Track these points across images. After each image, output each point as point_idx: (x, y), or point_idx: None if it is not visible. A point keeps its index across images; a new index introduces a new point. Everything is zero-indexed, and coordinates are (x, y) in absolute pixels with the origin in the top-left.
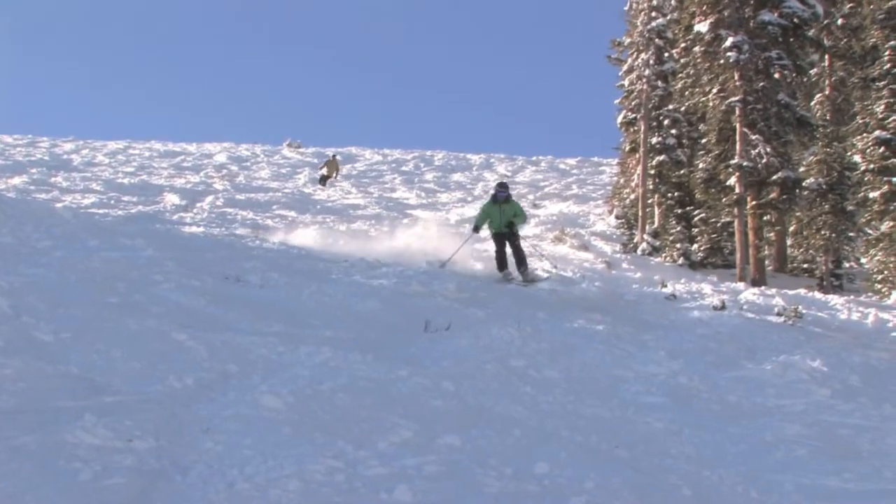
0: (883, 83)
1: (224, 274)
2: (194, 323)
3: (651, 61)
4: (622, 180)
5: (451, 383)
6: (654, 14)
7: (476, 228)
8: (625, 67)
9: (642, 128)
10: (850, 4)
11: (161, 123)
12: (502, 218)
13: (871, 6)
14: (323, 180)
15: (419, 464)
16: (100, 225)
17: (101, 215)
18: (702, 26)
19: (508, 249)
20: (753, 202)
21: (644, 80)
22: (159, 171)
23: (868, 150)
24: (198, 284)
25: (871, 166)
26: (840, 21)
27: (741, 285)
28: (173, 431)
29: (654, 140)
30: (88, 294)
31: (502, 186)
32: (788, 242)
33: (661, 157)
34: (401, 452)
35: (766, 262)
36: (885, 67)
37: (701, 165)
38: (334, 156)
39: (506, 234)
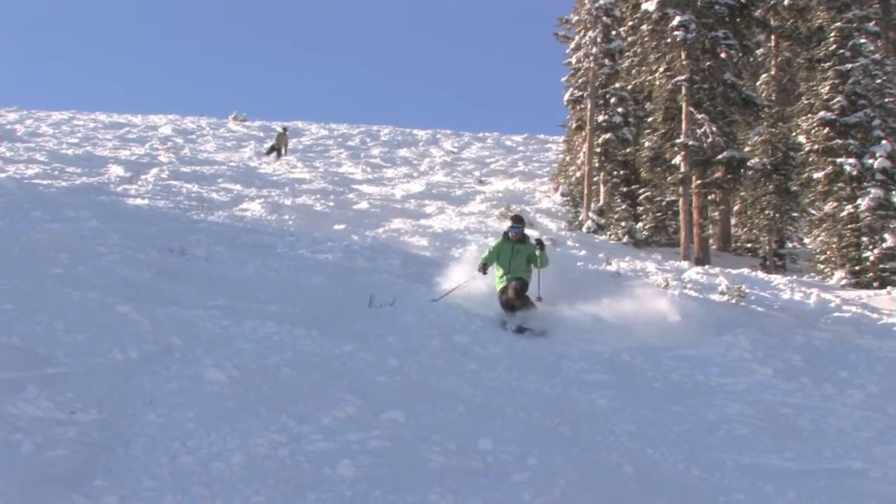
0: (828, 64)
1: (169, 247)
2: (138, 295)
3: (598, 39)
4: (568, 158)
5: (396, 359)
6: None
7: (483, 268)
8: (572, 45)
9: (589, 106)
10: None
11: (106, 94)
12: (513, 261)
13: None
14: (271, 152)
15: (363, 439)
16: (43, 196)
17: (45, 186)
18: (649, 5)
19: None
20: (698, 181)
21: (591, 58)
22: (104, 142)
23: (813, 131)
24: (142, 257)
25: (816, 147)
26: (786, 2)
27: (685, 264)
28: (116, 404)
29: (600, 118)
30: (31, 265)
31: (517, 220)
32: (732, 222)
33: (608, 136)
34: (345, 427)
35: (710, 241)
36: (830, 48)
37: (647, 144)
38: (284, 129)
39: (517, 285)
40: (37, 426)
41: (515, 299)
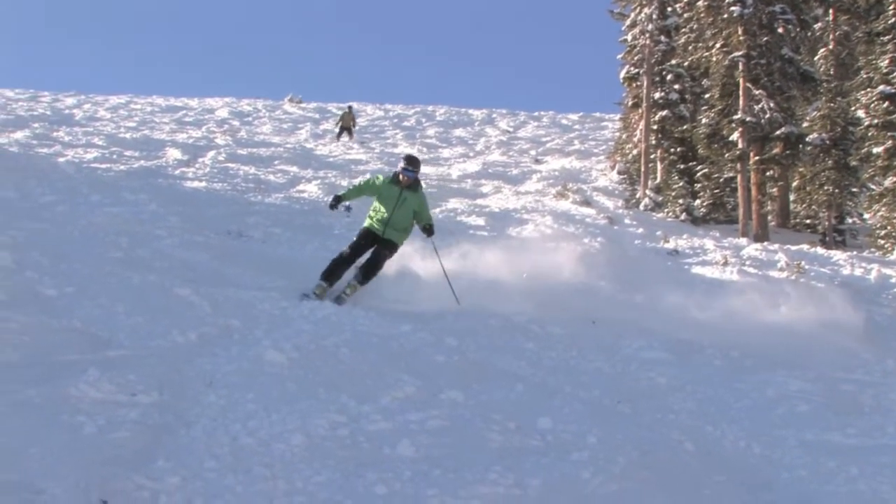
0: (887, 37)
1: (227, 229)
2: (197, 278)
3: (654, 16)
4: (625, 136)
5: (454, 339)
6: None
7: (339, 200)
8: (627, 22)
9: (645, 83)
10: None
11: (163, 78)
12: (397, 210)
13: None
14: (341, 133)
15: (422, 419)
16: (102, 180)
17: (104, 170)
18: None
19: (362, 259)
20: (756, 157)
21: (647, 34)
22: (161, 125)
23: (872, 105)
24: (200, 240)
25: (875, 121)
26: None
27: (744, 241)
28: (177, 386)
29: (656, 95)
30: (91, 249)
31: (412, 162)
32: (791, 198)
33: (664, 113)
34: (404, 407)
35: (769, 217)
36: (889, 21)
37: (704, 121)
38: (349, 108)
39: (382, 239)
40: (99, 408)
41: (374, 264)
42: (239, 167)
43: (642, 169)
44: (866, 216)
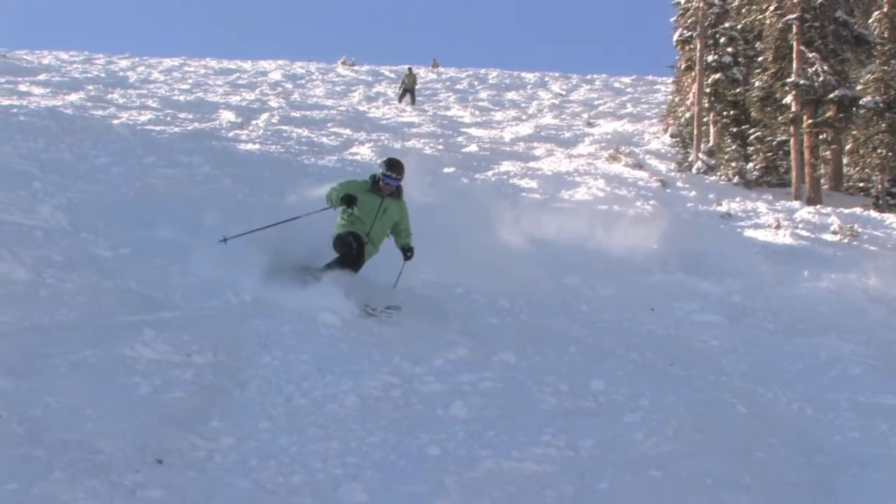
0: None
1: (281, 191)
2: (252, 240)
3: None
4: (677, 99)
5: (507, 301)
6: None
7: (346, 202)
8: None
9: (698, 46)
10: None
11: (216, 41)
12: (378, 223)
13: None
14: (403, 95)
15: (475, 380)
16: (156, 142)
17: (158, 132)
18: None
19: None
20: (809, 120)
21: None
22: (214, 88)
23: None
24: (255, 202)
25: None
26: None
27: (796, 204)
28: (231, 346)
29: (709, 58)
30: (146, 210)
31: (395, 167)
32: (844, 161)
33: (717, 76)
34: (457, 369)
35: (822, 180)
36: None
37: (757, 84)
38: (410, 69)
39: (360, 248)
40: (154, 369)
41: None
42: (292, 130)
43: (695, 132)
44: None
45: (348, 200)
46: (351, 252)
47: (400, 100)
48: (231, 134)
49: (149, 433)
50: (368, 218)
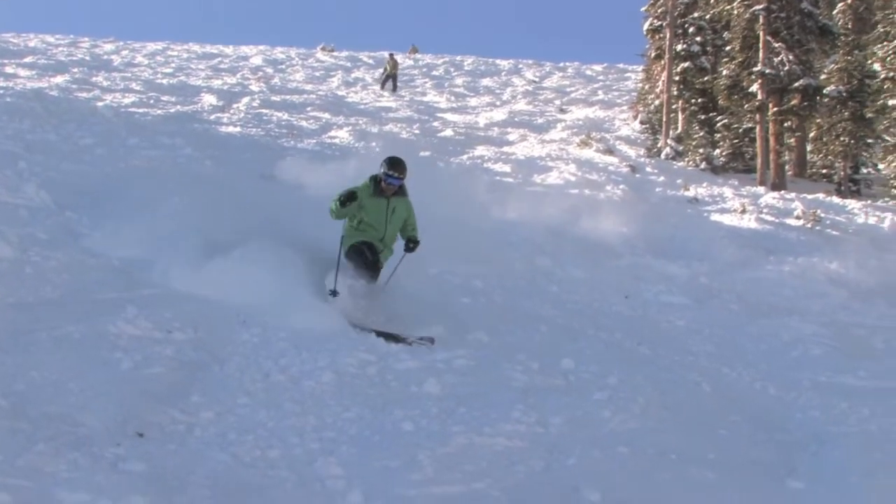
0: None
1: (260, 173)
2: (231, 220)
3: None
4: (647, 86)
5: (480, 281)
6: None
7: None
8: None
9: (668, 35)
10: None
11: (199, 26)
12: (390, 225)
13: None
14: (386, 80)
15: (448, 358)
16: (140, 124)
17: (141, 114)
18: None
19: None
20: (775, 108)
21: None
22: (197, 72)
23: (888, 59)
24: (235, 181)
25: (891, 74)
26: None
27: (761, 189)
28: (211, 323)
29: (679, 47)
30: (129, 190)
31: (397, 167)
32: (808, 148)
33: (686, 64)
34: (431, 347)
35: (786, 167)
36: None
37: (725, 72)
38: (391, 55)
39: (376, 256)
40: (136, 345)
41: (376, 263)
42: (272, 113)
43: (664, 119)
44: (881, 166)
45: (349, 197)
46: (367, 262)
47: (382, 86)
48: (213, 117)
49: (130, 407)
50: (380, 223)
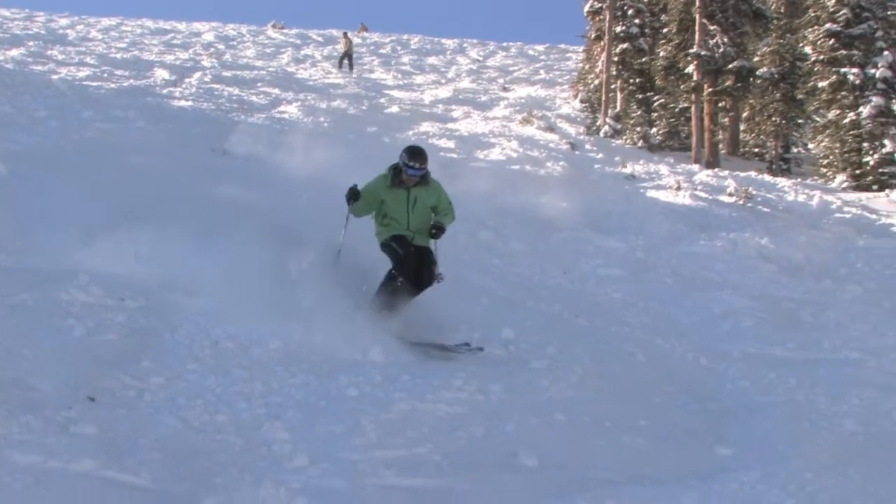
0: None
1: (211, 146)
2: (183, 192)
3: None
4: (587, 66)
5: None
6: None
7: (351, 195)
8: None
9: (607, 17)
10: None
11: (152, 1)
12: (413, 215)
13: None
14: (343, 59)
15: (393, 327)
16: (94, 97)
17: (95, 88)
18: None
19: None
20: (710, 89)
21: None
22: (150, 47)
23: (818, 42)
24: (187, 156)
25: (821, 57)
26: None
27: (696, 167)
28: (162, 291)
29: (618, 29)
30: (83, 162)
31: (417, 156)
32: (741, 128)
33: (625, 45)
34: (374, 317)
35: (720, 145)
36: None
37: (662, 54)
38: (345, 34)
39: (416, 247)
40: (88, 312)
41: (423, 276)
42: (223, 88)
43: (603, 98)
44: (810, 146)
45: (352, 195)
46: (400, 257)
47: (339, 66)
48: (165, 91)
49: (82, 372)
50: (401, 215)
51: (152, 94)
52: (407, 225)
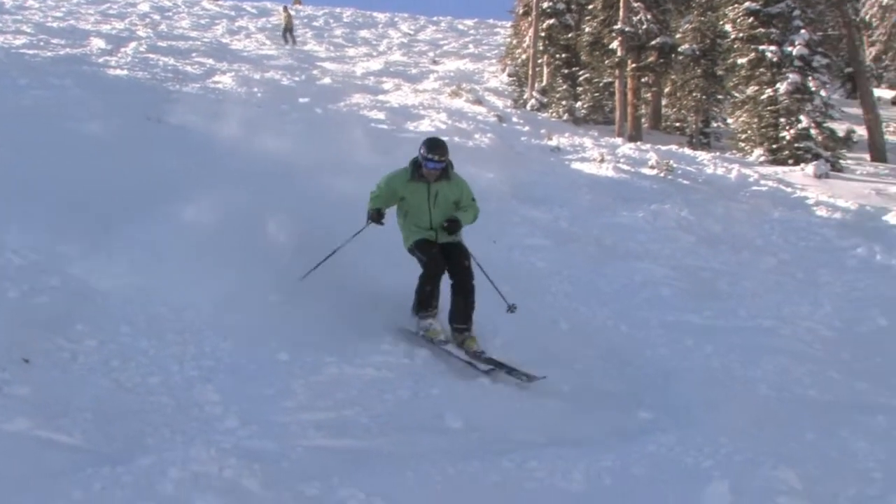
0: None
1: (146, 115)
2: (118, 157)
3: None
4: (515, 41)
5: (354, 225)
6: None
7: (376, 215)
8: None
9: None
10: None
11: None
12: (435, 210)
13: None
14: (286, 32)
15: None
16: (30, 65)
17: (31, 56)
18: None
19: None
20: (633, 65)
21: None
22: (86, 17)
23: (738, 20)
24: (122, 122)
25: (741, 35)
26: None
27: (619, 140)
28: (95, 255)
29: (545, 4)
30: (17, 129)
31: (437, 149)
32: (663, 103)
33: (552, 21)
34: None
35: (643, 119)
36: None
37: (587, 30)
38: (285, 8)
39: (444, 244)
40: (22, 275)
41: (464, 278)
42: (158, 58)
43: (530, 72)
44: (729, 121)
45: (374, 217)
46: (424, 262)
47: (284, 40)
48: (101, 60)
49: (16, 334)
50: (422, 210)
51: (88, 62)
52: (430, 223)
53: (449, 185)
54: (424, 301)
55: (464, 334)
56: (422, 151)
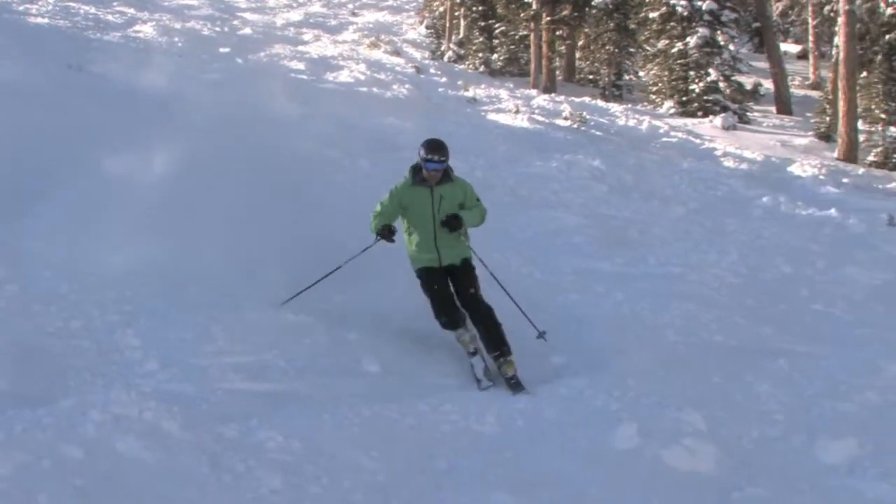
0: None
1: (67, 63)
2: (43, 105)
3: None
4: None
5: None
6: None
7: (386, 231)
8: None
9: None
10: None
11: None
12: (438, 214)
13: None
14: None
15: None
16: None
17: None
18: None
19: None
20: (548, 18)
21: None
22: None
23: None
24: (43, 71)
25: None
26: None
27: (534, 92)
28: (19, 201)
29: None
30: None
31: (437, 149)
32: (577, 55)
33: None
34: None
35: (557, 72)
36: None
37: None
38: None
39: (451, 268)
40: None
41: (474, 308)
42: (79, 7)
43: (447, 25)
44: (641, 74)
45: (383, 234)
46: (435, 299)
47: None
48: (22, 8)
49: None
50: (426, 218)
51: (8, 10)
52: (433, 231)
53: (452, 186)
54: (445, 326)
55: (499, 360)
56: (421, 153)
